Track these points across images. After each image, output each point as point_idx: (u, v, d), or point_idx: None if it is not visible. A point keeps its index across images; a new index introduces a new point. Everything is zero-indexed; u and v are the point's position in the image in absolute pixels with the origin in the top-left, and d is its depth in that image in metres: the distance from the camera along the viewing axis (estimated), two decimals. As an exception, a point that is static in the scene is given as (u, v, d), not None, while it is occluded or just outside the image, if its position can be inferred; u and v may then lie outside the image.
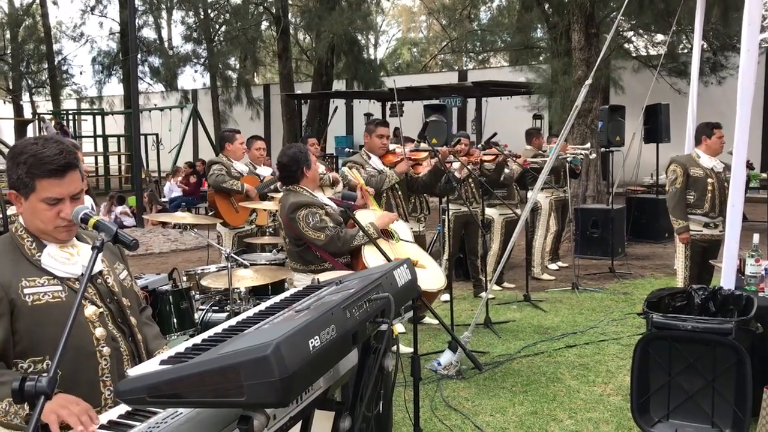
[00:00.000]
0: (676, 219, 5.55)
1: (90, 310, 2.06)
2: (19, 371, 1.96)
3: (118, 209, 13.54)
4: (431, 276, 3.99)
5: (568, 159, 8.05)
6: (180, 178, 15.72)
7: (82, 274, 2.04)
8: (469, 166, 6.43)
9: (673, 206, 5.56)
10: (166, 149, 20.62)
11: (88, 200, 2.79)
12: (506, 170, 7.16)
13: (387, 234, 4.19)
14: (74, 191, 2.02)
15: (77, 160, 2.03)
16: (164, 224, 12.33)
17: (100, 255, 1.89)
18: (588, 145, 9.02)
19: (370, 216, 4.23)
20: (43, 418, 1.67)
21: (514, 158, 7.22)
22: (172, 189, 15.51)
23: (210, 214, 6.27)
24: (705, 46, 12.42)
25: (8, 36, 27.35)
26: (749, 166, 5.56)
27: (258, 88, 26.59)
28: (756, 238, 4.31)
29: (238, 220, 6.11)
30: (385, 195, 5.44)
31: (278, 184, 5.83)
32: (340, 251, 4.00)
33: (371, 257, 3.89)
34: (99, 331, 2.06)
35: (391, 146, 5.65)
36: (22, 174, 1.97)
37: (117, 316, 2.13)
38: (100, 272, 2.15)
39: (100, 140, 23.25)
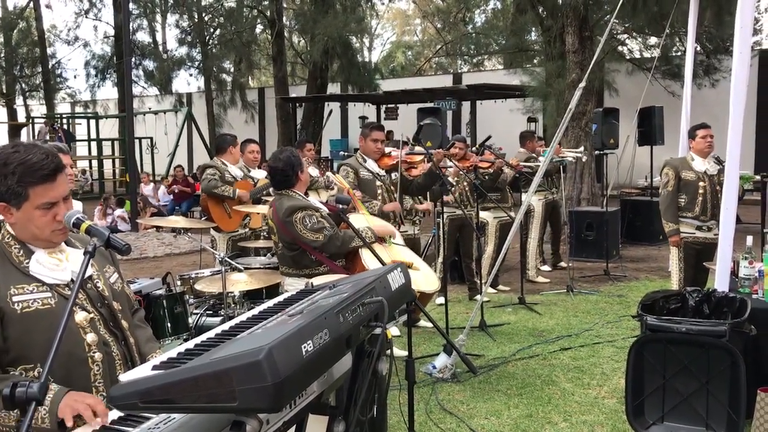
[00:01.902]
0: (666, 222, 5.57)
1: (81, 316, 2.04)
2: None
3: (117, 212, 13.42)
4: (425, 278, 4.00)
5: (562, 162, 8.06)
6: (167, 187, 15.77)
7: (72, 280, 2.03)
8: (462, 172, 6.42)
9: (665, 209, 5.58)
10: (162, 153, 20.58)
11: (78, 204, 2.78)
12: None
13: (380, 237, 4.22)
14: (65, 193, 2.03)
15: (62, 162, 2.04)
16: (158, 228, 12.29)
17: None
18: (581, 148, 9.05)
19: (361, 220, 4.25)
20: (58, 413, 1.81)
21: (509, 166, 7.23)
22: (164, 195, 15.54)
23: (203, 218, 6.25)
24: (698, 48, 12.45)
25: (2, 39, 27.22)
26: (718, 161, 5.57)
27: (253, 92, 26.58)
28: (749, 240, 4.31)
29: (231, 225, 6.09)
30: (380, 197, 5.44)
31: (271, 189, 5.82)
32: (338, 252, 4.01)
33: (371, 259, 3.89)
34: (90, 337, 2.04)
35: (387, 149, 5.65)
36: (13, 184, 1.94)
37: (108, 320, 2.12)
38: (90, 277, 2.13)
39: (94, 144, 23.20)
